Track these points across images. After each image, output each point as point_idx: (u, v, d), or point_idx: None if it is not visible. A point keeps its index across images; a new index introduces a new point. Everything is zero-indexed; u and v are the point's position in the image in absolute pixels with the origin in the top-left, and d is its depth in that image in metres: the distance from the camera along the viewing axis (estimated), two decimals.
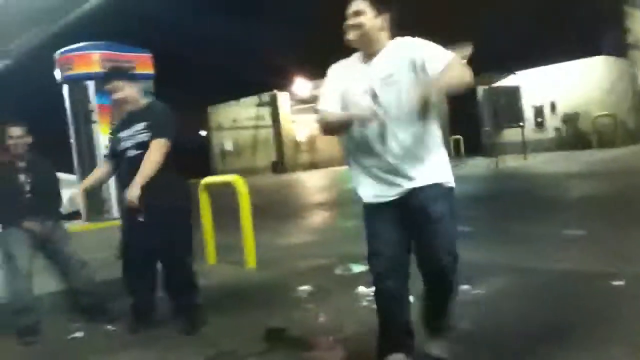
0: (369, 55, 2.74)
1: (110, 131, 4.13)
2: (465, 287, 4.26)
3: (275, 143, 29.03)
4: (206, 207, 6.12)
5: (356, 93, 2.72)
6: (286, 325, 3.79)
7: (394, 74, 2.65)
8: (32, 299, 4.15)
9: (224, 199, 6.65)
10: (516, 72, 18.23)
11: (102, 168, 4.20)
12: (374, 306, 3.79)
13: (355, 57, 2.82)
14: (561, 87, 20.06)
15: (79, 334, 4.07)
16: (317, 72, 23.72)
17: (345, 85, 2.77)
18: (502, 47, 17.26)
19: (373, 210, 2.79)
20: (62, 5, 7.75)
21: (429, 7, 13.13)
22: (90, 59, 5.05)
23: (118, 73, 4.03)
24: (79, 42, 5.20)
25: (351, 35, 2.70)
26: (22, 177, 4.34)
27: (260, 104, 31.03)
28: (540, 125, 20.87)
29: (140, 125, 3.81)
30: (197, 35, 13.66)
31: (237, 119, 30.99)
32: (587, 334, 3.10)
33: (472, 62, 19.83)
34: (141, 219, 3.69)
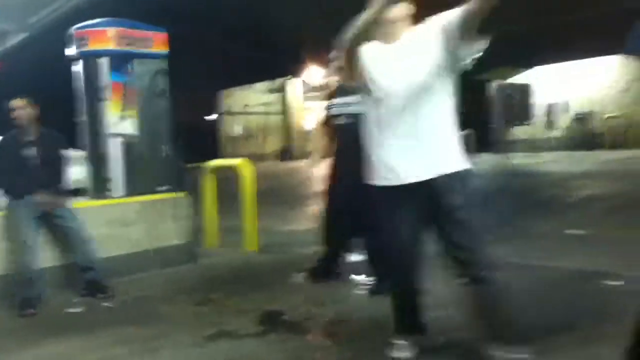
0: (391, 39, 2.74)
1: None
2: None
3: (285, 130, 29.04)
4: (210, 191, 6.15)
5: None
6: (284, 308, 3.83)
7: (417, 54, 2.65)
8: (35, 271, 4.21)
9: (232, 181, 6.70)
10: (532, 67, 18.09)
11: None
12: (370, 294, 3.86)
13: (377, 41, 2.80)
14: (575, 86, 19.91)
15: (79, 308, 4.13)
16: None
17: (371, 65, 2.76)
18: (518, 42, 17.04)
19: None
20: None
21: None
22: (106, 36, 5.04)
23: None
24: (96, 19, 5.21)
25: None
26: (30, 151, 4.39)
27: (272, 90, 31.04)
28: (551, 123, 20.74)
29: (353, 98, 3.87)
30: (212, 16, 13.60)
31: (248, 104, 31.02)
32: (586, 331, 3.11)
33: (487, 55, 19.66)
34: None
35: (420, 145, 2.66)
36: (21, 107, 4.37)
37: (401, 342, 2.93)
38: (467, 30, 2.52)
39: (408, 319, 2.97)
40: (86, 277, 4.42)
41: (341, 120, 4.21)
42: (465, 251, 2.71)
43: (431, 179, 2.64)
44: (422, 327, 3.00)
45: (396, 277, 2.97)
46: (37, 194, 4.26)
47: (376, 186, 2.81)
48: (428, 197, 2.67)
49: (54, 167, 4.47)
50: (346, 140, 4.15)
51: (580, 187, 9.73)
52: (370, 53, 2.75)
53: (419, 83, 2.63)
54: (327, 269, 4.44)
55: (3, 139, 4.51)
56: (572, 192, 9.21)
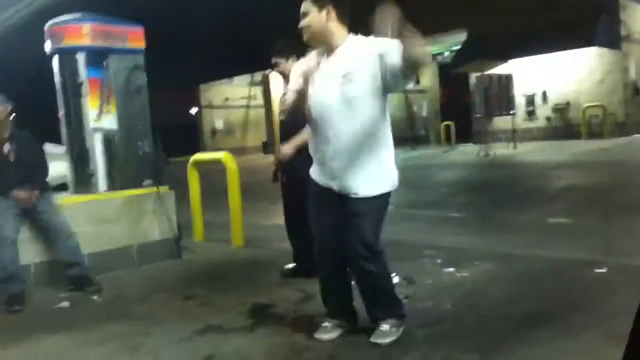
0: (328, 52, 2.86)
1: None
2: (450, 269, 4.33)
3: (267, 123, 28.87)
4: (195, 185, 6.10)
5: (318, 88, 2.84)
6: (271, 302, 3.82)
7: (352, 72, 2.74)
8: (19, 267, 4.17)
9: (213, 177, 6.65)
10: (509, 60, 18.22)
11: None
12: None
13: (316, 53, 2.94)
14: (553, 77, 20.12)
15: (64, 304, 4.09)
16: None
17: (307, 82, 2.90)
18: (496, 35, 17.18)
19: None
20: None
21: None
22: (81, 31, 4.97)
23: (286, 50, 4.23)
24: (70, 14, 5.12)
25: (304, 38, 2.87)
26: (5, 149, 4.32)
27: (252, 83, 30.87)
28: (530, 114, 20.96)
29: None
30: (191, 9, 13.44)
31: (229, 97, 30.83)
32: (569, 319, 3.15)
33: (466, 48, 19.77)
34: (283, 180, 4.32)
35: (339, 159, 2.83)
36: (1, 110, 4.29)
37: (326, 323, 3.14)
38: (407, 72, 2.70)
39: (332, 301, 3.17)
40: (72, 273, 4.39)
41: (280, 117, 4.30)
42: (353, 255, 2.92)
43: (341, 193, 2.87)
44: (347, 311, 3.17)
45: (320, 263, 3.15)
46: (13, 191, 4.20)
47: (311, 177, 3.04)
48: (335, 200, 2.90)
49: (30, 164, 4.40)
50: (282, 136, 4.27)
51: (561, 176, 9.86)
52: (308, 64, 2.92)
53: (347, 98, 2.75)
54: (303, 266, 4.35)
55: None
56: (553, 182, 9.32)
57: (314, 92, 2.87)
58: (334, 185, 2.90)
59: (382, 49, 2.68)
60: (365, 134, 2.79)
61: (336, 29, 2.82)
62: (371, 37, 2.76)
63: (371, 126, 2.80)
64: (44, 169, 4.53)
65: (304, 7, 2.83)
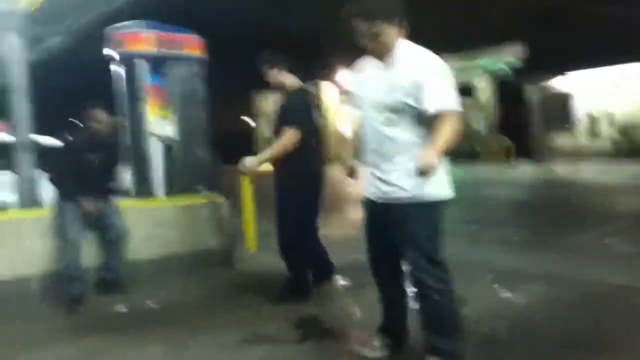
0: (385, 59, 2.82)
1: None
2: (503, 290, 4.20)
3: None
4: (248, 194, 6.13)
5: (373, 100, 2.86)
6: (321, 315, 3.80)
7: (399, 82, 2.76)
8: (81, 270, 4.29)
9: (268, 185, 6.67)
10: (567, 73, 17.55)
11: None
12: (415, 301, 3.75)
13: (370, 60, 2.92)
14: (617, 93, 19.29)
15: (122, 308, 4.18)
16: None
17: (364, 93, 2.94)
18: (555, 48, 16.63)
19: None
20: None
21: (480, 6, 12.80)
22: (142, 38, 5.10)
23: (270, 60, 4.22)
24: (132, 21, 5.28)
25: (371, 53, 2.84)
26: (90, 156, 4.45)
27: None
28: (593, 133, 20.17)
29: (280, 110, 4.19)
30: (246, 20, 13.68)
31: None
32: (626, 349, 3.02)
33: (523, 61, 19.25)
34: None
35: (382, 167, 2.83)
36: (107, 125, 4.46)
37: (375, 342, 3.07)
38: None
39: (385, 322, 3.12)
40: (107, 276, 4.51)
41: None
42: (412, 268, 2.82)
43: (388, 202, 2.82)
44: (398, 331, 3.09)
45: (377, 283, 3.15)
46: (85, 198, 4.32)
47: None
48: (388, 215, 2.84)
49: (109, 172, 4.56)
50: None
51: (622, 199, 9.42)
52: (362, 70, 2.97)
53: (385, 106, 2.77)
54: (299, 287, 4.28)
55: (72, 142, 4.62)
56: (613, 205, 8.93)
57: (365, 99, 2.91)
58: (381, 191, 2.84)
59: (422, 82, 2.68)
60: (410, 142, 2.76)
61: (399, 41, 2.80)
62: (421, 58, 2.77)
63: (415, 135, 2.76)
64: (117, 177, 4.67)
65: (373, 27, 2.71)
